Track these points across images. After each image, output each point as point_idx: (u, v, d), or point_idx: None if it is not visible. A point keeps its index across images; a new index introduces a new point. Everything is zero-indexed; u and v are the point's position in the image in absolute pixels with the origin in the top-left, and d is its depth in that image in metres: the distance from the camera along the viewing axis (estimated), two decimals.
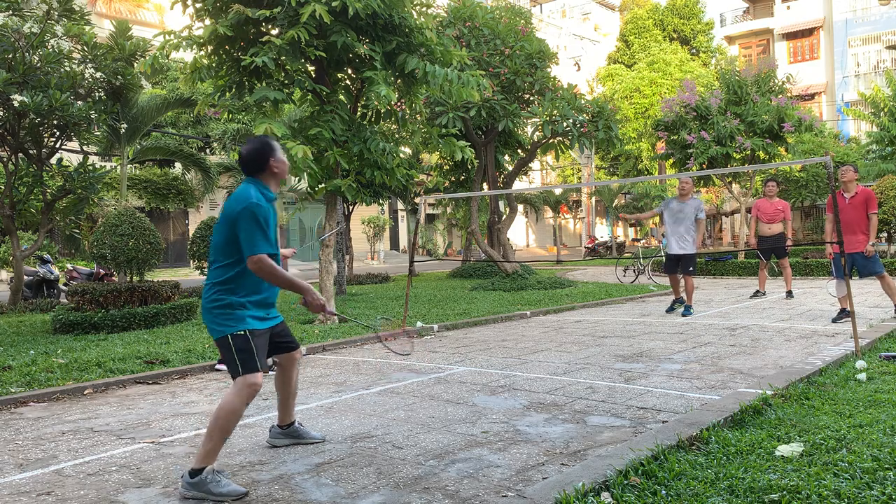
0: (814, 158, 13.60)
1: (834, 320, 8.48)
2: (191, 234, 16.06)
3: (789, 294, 11.52)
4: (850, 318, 7.71)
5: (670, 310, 10.27)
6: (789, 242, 11.30)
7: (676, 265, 10.05)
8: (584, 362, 6.54)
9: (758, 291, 12.07)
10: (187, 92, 13.64)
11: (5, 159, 12.28)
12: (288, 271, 3.71)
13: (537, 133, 16.08)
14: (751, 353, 6.65)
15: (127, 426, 4.80)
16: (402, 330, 6.98)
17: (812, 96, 36.80)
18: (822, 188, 23.14)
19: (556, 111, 14.94)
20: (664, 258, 10.78)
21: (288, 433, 4.16)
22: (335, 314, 4.10)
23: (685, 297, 10.04)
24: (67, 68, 11.17)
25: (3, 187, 12.48)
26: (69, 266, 16.52)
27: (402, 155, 11.04)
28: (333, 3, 7.85)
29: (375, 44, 8.82)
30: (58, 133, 12.36)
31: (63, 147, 12.94)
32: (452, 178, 20.17)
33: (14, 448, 4.34)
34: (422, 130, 10.97)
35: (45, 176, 12.50)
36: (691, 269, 9.91)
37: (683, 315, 9.78)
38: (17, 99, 10.46)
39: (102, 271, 14.34)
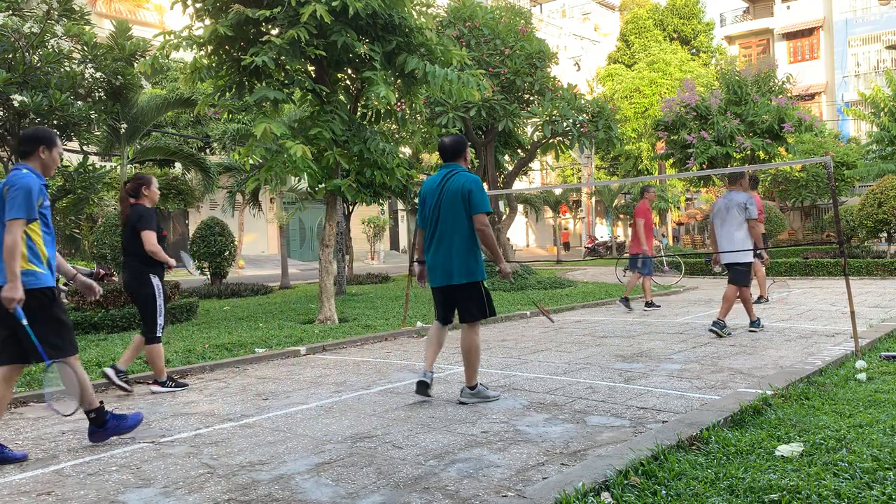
0: (814, 158, 13.60)
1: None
2: (191, 234, 16.06)
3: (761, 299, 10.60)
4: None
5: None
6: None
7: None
8: (584, 362, 6.54)
9: (760, 297, 10.74)
10: (187, 92, 13.61)
11: (5, 159, 12.27)
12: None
13: (537, 133, 16.08)
14: (751, 353, 6.65)
15: None
16: None
17: (812, 96, 36.79)
18: (822, 188, 23.13)
19: (556, 111, 14.93)
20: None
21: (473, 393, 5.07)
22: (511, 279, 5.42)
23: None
24: (67, 68, 11.16)
25: None
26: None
27: (402, 155, 11.04)
28: (334, 3, 7.84)
29: (375, 44, 8.82)
30: (58, 133, 12.34)
31: (63, 147, 12.92)
32: None
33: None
34: (422, 130, 10.97)
35: None
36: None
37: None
38: (17, 99, 10.45)
39: (102, 271, 14.33)
